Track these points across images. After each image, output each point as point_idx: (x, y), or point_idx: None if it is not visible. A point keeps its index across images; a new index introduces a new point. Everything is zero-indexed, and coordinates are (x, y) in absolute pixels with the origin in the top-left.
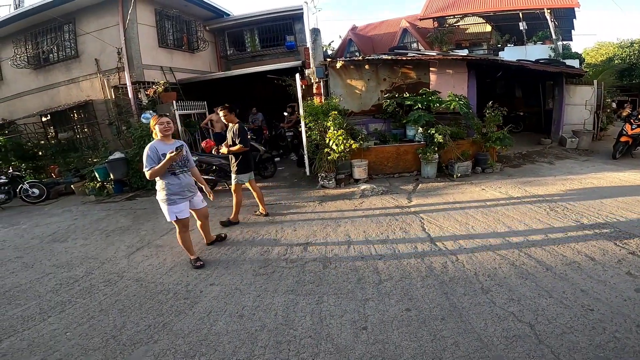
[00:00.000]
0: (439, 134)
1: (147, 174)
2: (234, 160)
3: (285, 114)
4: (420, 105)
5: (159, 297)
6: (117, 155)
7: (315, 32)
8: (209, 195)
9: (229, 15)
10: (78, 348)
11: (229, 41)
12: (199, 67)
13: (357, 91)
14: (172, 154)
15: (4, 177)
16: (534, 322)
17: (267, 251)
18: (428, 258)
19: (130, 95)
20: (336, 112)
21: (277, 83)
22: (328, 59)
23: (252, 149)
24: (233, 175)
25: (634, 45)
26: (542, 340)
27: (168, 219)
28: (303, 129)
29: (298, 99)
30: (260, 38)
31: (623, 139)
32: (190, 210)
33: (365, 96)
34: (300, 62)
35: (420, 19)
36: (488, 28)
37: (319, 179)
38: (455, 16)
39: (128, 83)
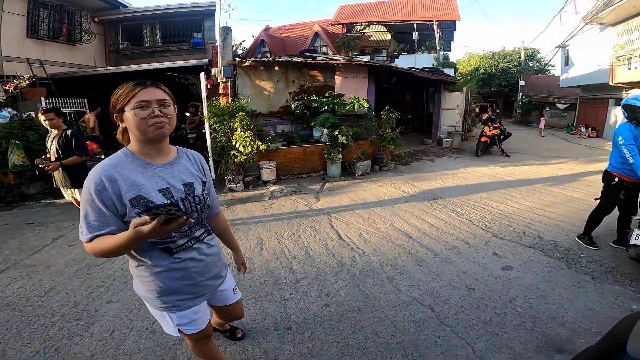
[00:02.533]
0: (342, 135)
1: (87, 248)
2: (64, 172)
3: (188, 114)
4: (326, 107)
5: (41, 320)
6: None
7: (226, 30)
8: (240, 271)
9: (126, 7)
10: None
11: (123, 35)
12: (81, 61)
13: (265, 92)
14: (180, 221)
15: None
16: (433, 304)
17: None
18: (339, 254)
19: None
20: (244, 113)
21: (178, 82)
22: (237, 59)
23: None
24: (76, 191)
25: (495, 56)
26: (442, 321)
27: (167, 331)
28: (207, 130)
29: (202, 99)
30: (162, 33)
31: (483, 139)
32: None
33: (274, 97)
34: (207, 60)
35: (332, 24)
36: (388, 36)
37: (226, 182)
38: (362, 23)
39: None
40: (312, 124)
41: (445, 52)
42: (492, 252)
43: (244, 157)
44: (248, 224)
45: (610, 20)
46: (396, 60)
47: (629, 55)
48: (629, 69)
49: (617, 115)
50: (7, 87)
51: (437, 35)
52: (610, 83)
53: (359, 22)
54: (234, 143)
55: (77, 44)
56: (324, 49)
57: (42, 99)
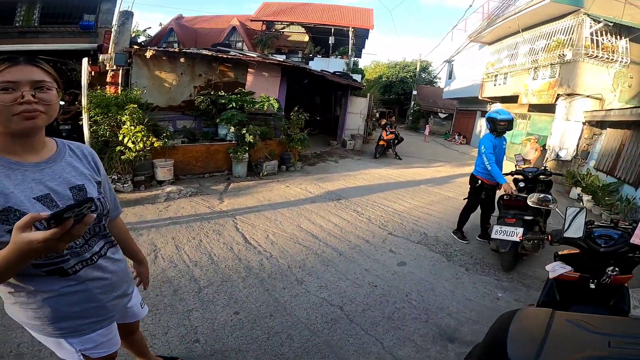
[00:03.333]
0: (250, 134)
1: None
2: None
3: (62, 102)
4: (234, 104)
5: None
6: None
7: (127, 14)
8: (143, 282)
9: None
10: None
11: None
12: None
13: (166, 85)
14: (87, 221)
15: None
16: (342, 304)
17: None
18: (245, 258)
19: None
20: (135, 106)
21: (55, 67)
22: (135, 46)
23: None
24: None
25: (396, 66)
26: (352, 320)
27: (62, 357)
28: (85, 122)
29: (83, 87)
30: (43, 13)
31: (381, 142)
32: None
33: (176, 91)
34: (96, 45)
35: (252, 20)
36: (306, 38)
37: (110, 181)
38: (283, 22)
39: None
40: (218, 120)
41: (355, 59)
42: (388, 249)
43: (134, 154)
44: (138, 230)
45: (489, 40)
46: (310, 62)
47: (495, 73)
48: (495, 85)
49: (482, 126)
50: None
51: (350, 42)
52: (480, 97)
53: (279, 21)
54: (120, 138)
55: None
56: (239, 45)
57: None
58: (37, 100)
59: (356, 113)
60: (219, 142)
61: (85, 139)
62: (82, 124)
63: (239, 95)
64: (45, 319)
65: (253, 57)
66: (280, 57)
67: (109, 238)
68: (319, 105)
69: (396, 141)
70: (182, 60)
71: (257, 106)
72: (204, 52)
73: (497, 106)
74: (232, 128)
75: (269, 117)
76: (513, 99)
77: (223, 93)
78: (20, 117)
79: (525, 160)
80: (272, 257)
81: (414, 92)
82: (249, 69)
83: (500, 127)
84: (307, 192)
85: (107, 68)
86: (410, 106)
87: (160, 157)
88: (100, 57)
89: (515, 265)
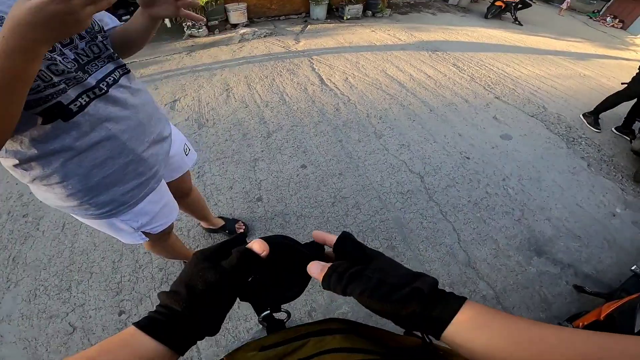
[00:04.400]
0: None
1: None
2: None
3: None
4: None
5: None
6: None
7: None
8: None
9: None
10: None
11: None
12: None
13: None
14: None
15: None
16: (423, 172)
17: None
18: (319, 101)
19: None
20: None
21: None
22: None
23: None
24: None
25: None
26: (431, 196)
27: (125, 241)
28: None
29: None
30: None
31: (497, 3)
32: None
33: None
34: None
35: None
36: None
37: (185, 28)
38: None
39: None
40: None
41: None
42: (492, 116)
43: (205, 0)
44: (212, 70)
45: None
46: None
47: None
48: None
49: None
50: None
51: None
52: None
53: None
54: None
55: None
56: None
57: None
58: None
59: None
60: None
61: None
62: None
63: None
64: (80, 194)
65: None
66: None
67: (118, 61)
68: None
69: (520, 5)
70: None
71: None
72: None
73: None
74: None
75: None
76: None
77: None
78: None
79: None
80: (349, 102)
81: None
82: None
83: None
84: (396, 38)
85: None
86: None
87: (232, 2)
88: None
89: None
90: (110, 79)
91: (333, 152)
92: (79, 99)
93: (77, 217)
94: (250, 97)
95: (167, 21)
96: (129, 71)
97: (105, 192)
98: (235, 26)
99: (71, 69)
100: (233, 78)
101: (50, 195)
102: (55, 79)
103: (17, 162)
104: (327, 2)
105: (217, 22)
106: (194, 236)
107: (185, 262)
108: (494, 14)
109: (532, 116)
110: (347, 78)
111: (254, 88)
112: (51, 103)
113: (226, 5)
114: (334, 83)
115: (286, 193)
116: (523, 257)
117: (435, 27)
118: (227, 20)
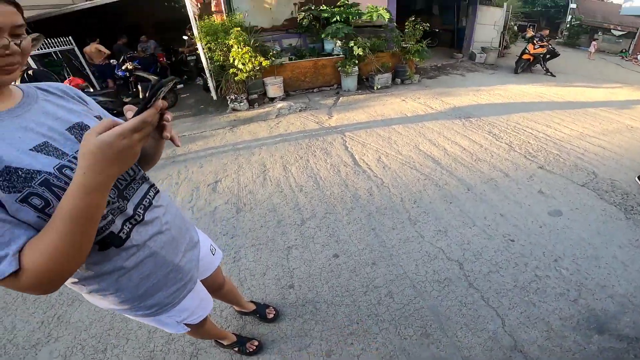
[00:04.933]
0: (359, 47)
1: (23, 281)
2: None
3: (185, 37)
4: (338, 18)
5: None
6: None
7: None
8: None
9: None
10: None
11: None
12: (56, 1)
13: (266, 5)
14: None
15: None
16: (462, 259)
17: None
18: (352, 184)
19: None
20: (239, 29)
21: (168, 5)
22: None
23: (139, 79)
24: None
25: None
26: (471, 283)
27: (170, 331)
28: (201, 51)
29: (191, 19)
30: None
31: (525, 56)
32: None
33: (277, 10)
34: None
35: None
36: None
37: (229, 101)
38: None
39: None
40: (323, 35)
41: None
42: (537, 190)
43: (245, 75)
44: (251, 148)
45: None
46: None
47: None
48: None
49: None
50: None
51: None
52: None
53: None
54: (232, 61)
55: None
56: None
57: None
58: (18, 49)
59: (488, 24)
60: (326, 57)
61: (205, 66)
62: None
63: (342, 8)
64: (131, 301)
65: None
66: None
67: (150, 181)
68: (436, 17)
69: (548, 56)
70: None
71: (364, 18)
72: None
73: None
74: (339, 42)
75: (379, 29)
76: None
77: (325, 7)
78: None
79: None
80: (383, 185)
81: (572, 6)
82: None
83: None
84: (427, 107)
85: None
86: (565, 20)
87: (270, 76)
88: None
89: None
90: (146, 201)
91: (366, 241)
92: (124, 227)
93: (124, 314)
94: (286, 181)
95: (212, 93)
96: (158, 191)
97: (152, 297)
98: (272, 99)
99: (114, 197)
100: (270, 158)
101: (104, 302)
102: (105, 212)
103: (75, 280)
104: (356, 73)
105: (256, 95)
106: (226, 317)
107: (217, 340)
108: (523, 68)
109: (582, 185)
110: (380, 157)
111: (289, 170)
112: (105, 234)
113: (264, 79)
114: (367, 164)
115: (318, 282)
116: (581, 336)
117: (466, 89)
118: (265, 93)
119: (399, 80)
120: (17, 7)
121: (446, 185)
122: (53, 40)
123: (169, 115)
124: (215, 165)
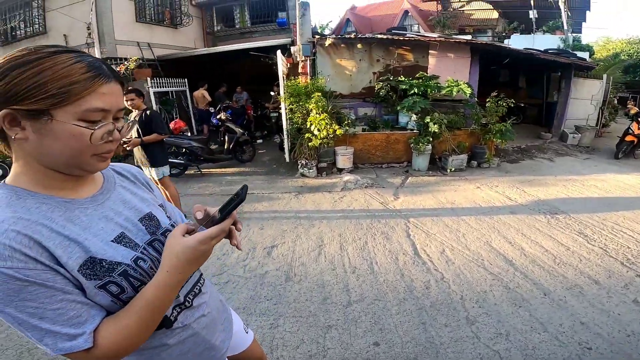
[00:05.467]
0: (434, 123)
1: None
2: (143, 151)
3: (272, 93)
4: (416, 90)
5: None
6: None
7: (304, 6)
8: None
9: None
10: None
11: (218, 17)
12: (182, 43)
13: (347, 72)
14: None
15: None
16: None
17: (225, 254)
18: (409, 274)
19: None
20: (319, 94)
21: (263, 61)
22: (317, 36)
23: (228, 130)
24: (152, 169)
25: None
26: None
27: None
28: (283, 111)
29: (279, 78)
30: (250, 14)
31: (628, 138)
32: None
33: (356, 78)
34: (290, 39)
35: (423, 1)
36: (495, 14)
37: (299, 166)
38: (461, 0)
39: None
40: (399, 108)
41: (575, 34)
42: (632, 299)
43: (319, 141)
44: (312, 219)
45: None
46: (507, 40)
47: None
48: None
49: None
50: (118, 69)
51: (563, 14)
52: None
53: None
54: (308, 125)
55: (178, 27)
56: (415, 28)
57: (148, 79)
58: (118, 135)
59: (584, 99)
60: (400, 130)
61: (284, 126)
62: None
63: (420, 80)
64: None
65: (433, 37)
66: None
67: (199, 270)
68: (523, 90)
69: None
70: (359, 46)
71: (443, 92)
72: (379, 35)
73: None
74: (414, 116)
75: (458, 104)
76: None
77: (403, 78)
78: (98, 158)
79: None
80: (442, 280)
81: None
82: (430, 51)
83: None
84: (505, 197)
85: (297, 59)
86: None
87: (341, 145)
88: (292, 49)
89: None
90: (196, 289)
91: (412, 334)
92: (174, 311)
93: None
94: (340, 260)
95: (286, 155)
96: (204, 279)
97: None
98: (341, 170)
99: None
100: (328, 234)
101: None
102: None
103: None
104: (429, 151)
105: (325, 164)
106: None
107: None
108: (625, 153)
109: None
110: (444, 250)
111: (346, 249)
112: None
113: (336, 148)
114: (428, 255)
115: None
116: None
117: (553, 178)
118: (334, 163)
119: (475, 162)
120: (123, 85)
121: (517, 287)
122: (172, 80)
123: (240, 225)
124: (275, 230)
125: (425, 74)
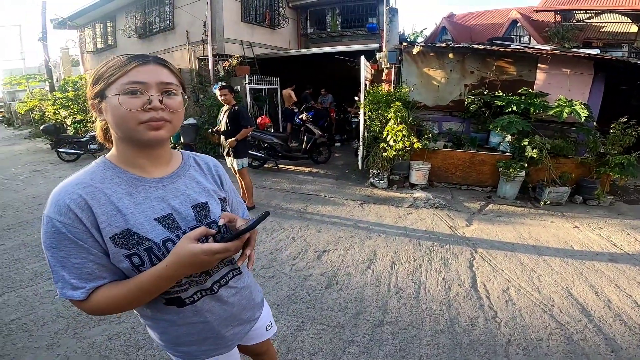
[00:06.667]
0: (534, 148)
1: (85, 308)
2: (227, 143)
3: (356, 98)
4: (515, 108)
5: None
6: (190, 121)
7: (392, 12)
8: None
9: None
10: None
11: (311, 20)
12: (278, 44)
13: (434, 82)
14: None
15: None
16: None
17: (279, 249)
18: (457, 307)
19: (210, 66)
20: (400, 104)
21: (350, 65)
22: (404, 43)
23: (307, 131)
24: (234, 160)
25: None
26: None
27: None
28: (362, 117)
29: (361, 84)
30: (342, 18)
31: None
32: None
33: (444, 89)
34: (377, 45)
35: (537, 11)
36: (634, 28)
37: (370, 175)
38: (588, 11)
39: (209, 55)
40: (491, 126)
41: None
42: None
43: (393, 153)
44: (370, 232)
45: None
46: None
47: None
48: None
49: None
50: (224, 65)
51: None
52: None
53: (582, 10)
54: (384, 135)
55: (275, 28)
56: (525, 39)
57: (246, 75)
58: (165, 107)
59: None
60: (488, 151)
61: (361, 133)
62: (364, 118)
63: (523, 97)
64: (167, 343)
65: (545, 49)
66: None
67: (233, 264)
68: None
69: None
70: (450, 56)
71: (551, 112)
72: (475, 45)
73: None
74: (509, 137)
75: (570, 128)
76: None
77: (500, 93)
78: (145, 127)
79: None
80: (493, 320)
81: None
82: (539, 65)
83: None
84: (608, 242)
85: (382, 66)
86: None
87: (418, 159)
88: (378, 55)
89: None
90: (223, 281)
91: None
92: (194, 295)
93: (159, 346)
94: (387, 278)
95: (359, 162)
96: (240, 273)
97: (185, 347)
98: (413, 186)
99: (196, 273)
100: (383, 249)
101: (150, 332)
102: (184, 281)
103: (141, 309)
104: (522, 179)
105: (398, 177)
106: None
107: None
108: None
109: None
110: (508, 288)
111: (397, 268)
112: (173, 296)
113: (411, 162)
114: (487, 291)
115: None
116: None
117: None
118: (408, 177)
119: (581, 198)
120: (167, 67)
121: (582, 340)
122: (266, 78)
123: (248, 251)
124: (331, 235)
125: (529, 90)
